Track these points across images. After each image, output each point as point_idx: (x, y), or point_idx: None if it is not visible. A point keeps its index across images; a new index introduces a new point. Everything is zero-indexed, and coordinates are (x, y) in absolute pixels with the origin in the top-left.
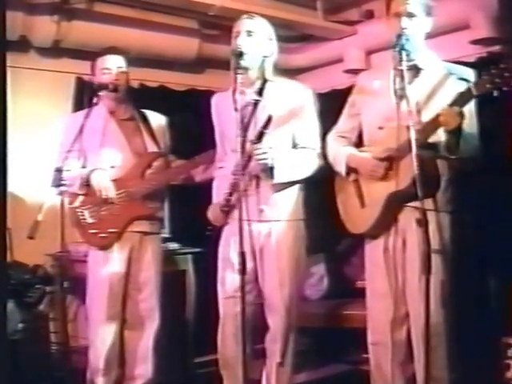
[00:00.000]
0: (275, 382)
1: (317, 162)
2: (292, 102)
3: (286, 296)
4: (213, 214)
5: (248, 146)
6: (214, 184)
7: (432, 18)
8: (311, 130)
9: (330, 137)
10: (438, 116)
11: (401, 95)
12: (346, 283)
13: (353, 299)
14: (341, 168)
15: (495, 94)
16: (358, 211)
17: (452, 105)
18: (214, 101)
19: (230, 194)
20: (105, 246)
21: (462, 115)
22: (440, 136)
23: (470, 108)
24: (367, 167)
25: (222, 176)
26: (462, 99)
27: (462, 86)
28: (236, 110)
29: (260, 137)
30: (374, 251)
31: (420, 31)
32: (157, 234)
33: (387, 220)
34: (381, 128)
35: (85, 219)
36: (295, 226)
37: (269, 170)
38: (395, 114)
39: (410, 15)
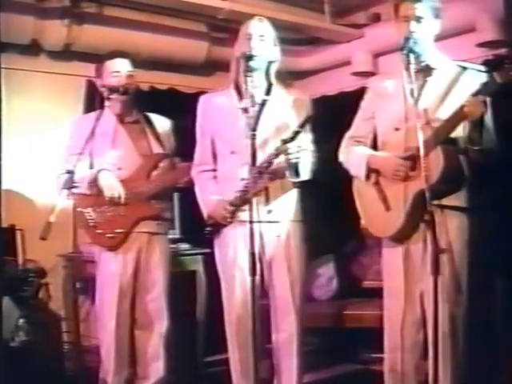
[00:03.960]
0: (291, 381)
1: (314, 163)
2: (294, 106)
3: (299, 297)
4: (218, 211)
5: (278, 145)
6: (201, 187)
7: (440, 20)
8: (308, 133)
9: (345, 142)
10: (462, 107)
11: (416, 95)
12: (355, 284)
13: (362, 299)
14: (360, 171)
15: None
16: (382, 215)
17: (476, 94)
18: (205, 102)
19: (244, 193)
20: (113, 246)
21: (486, 104)
22: (460, 131)
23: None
24: (391, 167)
25: (208, 178)
26: (486, 88)
27: (482, 77)
28: (245, 110)
29: (295, 136)
30: (394, 253)
31: (429, 33)
32: (164, 235)
33: (415, 220)
34: (397, 129)
35: (92, 219)
36: (301, 226)
37: (294, 169)
38: (411, 115)
39: (419, 19)
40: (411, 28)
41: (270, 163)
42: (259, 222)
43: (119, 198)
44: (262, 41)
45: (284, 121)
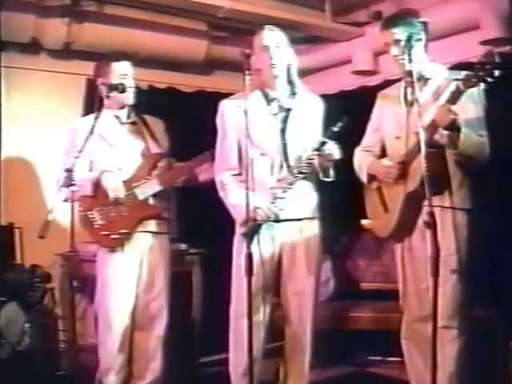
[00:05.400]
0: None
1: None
2: (315, 108)
3: (316, 294)
4: (259, 212)
5: (316, 146)
6: (233, 192)
7: (427, 32)
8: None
9: (356, 151)
10: (434, 116)
11: (410, 103)
12: (352, 285)
13: (359, 301)
14: (363, 177)
15: (482, 86)
16: (382, 216)
17: (445, 104)
18: (229, 107)
19: (285, 193)
20: (116, 247)
21: (453, 112)
22: (444, 134)
23: (475, 106)
24: (382, 169)
25: (238, 182)
26: (452, 97)
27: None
28: (275, 114)
29: (331, 137)
30: (398, 252)
31: (416, 50)
32: (165, 234)
33: (407, 221)
34: (398, 138)
35: (96, 221)
36: (318, 224)
37: (328, 169)
38: (408, 123)
39: (398, 41)
40: (393, 52)
41: (309, 164)
42: (291, 220)
43: (123, 198)
44: (277, 47)
45: (309, 122)
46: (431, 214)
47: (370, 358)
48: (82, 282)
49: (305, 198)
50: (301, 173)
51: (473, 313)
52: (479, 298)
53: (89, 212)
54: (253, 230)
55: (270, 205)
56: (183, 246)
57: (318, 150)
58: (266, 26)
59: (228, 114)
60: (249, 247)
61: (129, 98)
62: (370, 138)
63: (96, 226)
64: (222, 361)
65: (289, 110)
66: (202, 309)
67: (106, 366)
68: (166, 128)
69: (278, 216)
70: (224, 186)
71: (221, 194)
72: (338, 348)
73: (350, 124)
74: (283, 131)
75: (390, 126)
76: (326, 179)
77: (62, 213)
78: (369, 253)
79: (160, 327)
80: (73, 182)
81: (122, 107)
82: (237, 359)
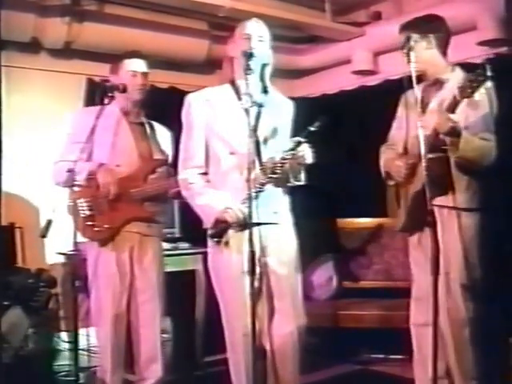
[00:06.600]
0: (285, 381)
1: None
2: (287, 111)
3: (299, 297)
4: (230, 214)
5: (291, 146)
6: (199, 193)
7: (443, 34)
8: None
9: (382, 149)
10: (434, 124)
11: (424, 105)
12: (354, 283)
13: (361, 299)
14: (382, 174)
15: (476, 97)
16: (396, 212)
17: (444, 112)
18: (198, 100)
19: (256, 194)
20: (100, 241)
21: (452, 120)
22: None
23: (477, 110)
24: (393, 168)
25: (204, 183)
26: (450, 105)
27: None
28: (246, 110)
29: (307, 137)
30: (410, 247)
31: (422, 49)
32: (156, 237)
33: (414, 220)
34: (416, 137)
35: (83, 210)
36: (295, 229)
37: (299, 173)
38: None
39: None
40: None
41: (284, 164)
42: (265, 223)
43: (112, 195)
44: (260, 41)
45: (279, 123)
46: (431, 213)
47: (373, 356)
48: (85, 281)
49: (279, 200)
50: (274, 173)
51: (474, 308)
52: (480, 295)
53: (78, 201)
54: (221, 231)
55: (241, 206)
56: (186, 245)
57: (293, 149)
58: (253, 18)
59: (195, 108)
60: (251, 245)
61: (136, 96)
62: (393, 136)
63: (82, 216)
64: (226, 360)
65: (261, 105)
66: (205, 308)
67: (105, 366)
68: (172, 139)
69: (249, 218)
70: (189, 185)
71: (184, 193)
72: (341, 346)
73: (327, 125)
74: (255, 128)
75: (411, 125)
76: (296, 183)
77: (63, 212)
78: (371, 251)
79: (155, 328)
80: (75, 183)
81: (132, 105)
82: (235, 360)
